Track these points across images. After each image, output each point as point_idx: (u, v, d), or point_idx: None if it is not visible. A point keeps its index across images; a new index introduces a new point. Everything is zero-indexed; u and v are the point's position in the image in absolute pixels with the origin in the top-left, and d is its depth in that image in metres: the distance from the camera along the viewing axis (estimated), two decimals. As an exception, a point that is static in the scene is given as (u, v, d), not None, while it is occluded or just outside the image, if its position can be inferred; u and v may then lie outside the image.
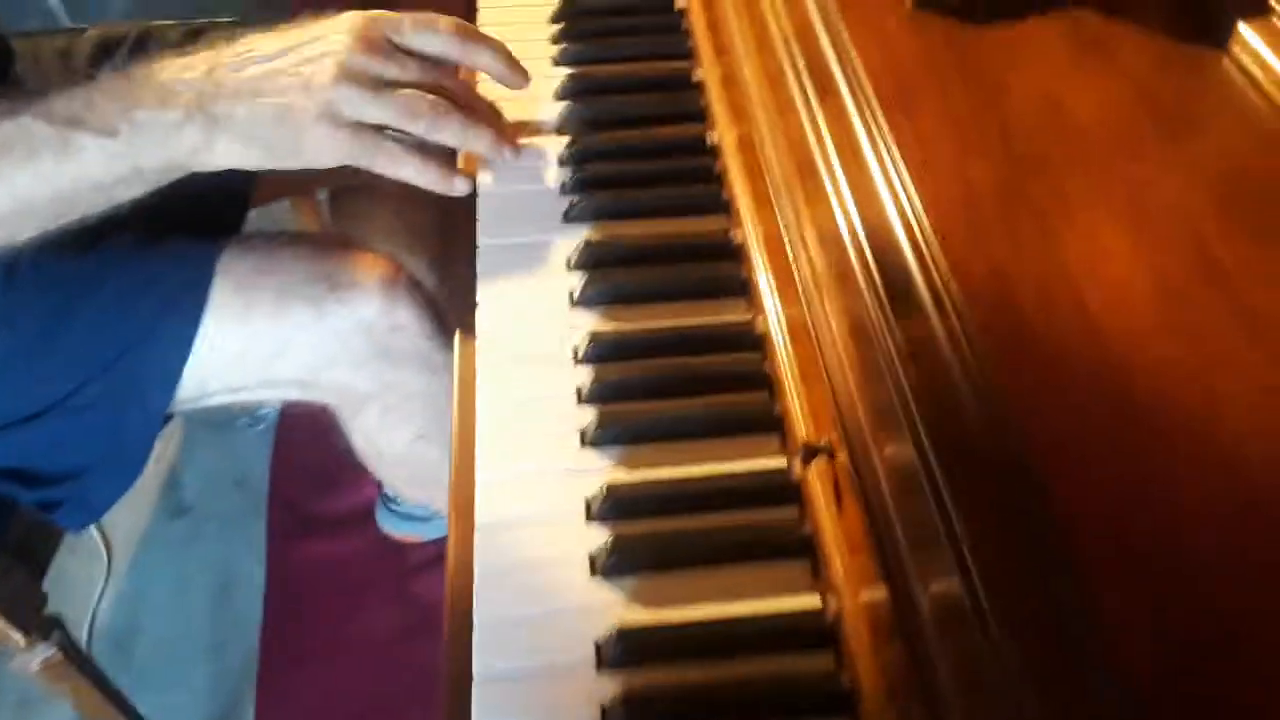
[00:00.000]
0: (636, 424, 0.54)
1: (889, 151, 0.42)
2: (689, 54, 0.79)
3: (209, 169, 0.66)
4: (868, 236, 0.42)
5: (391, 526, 1.35)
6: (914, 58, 0.44)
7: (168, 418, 0.89)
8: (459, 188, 0.67)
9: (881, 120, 0.42)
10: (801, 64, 0.47)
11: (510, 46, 0.70)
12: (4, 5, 1.96)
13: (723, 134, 0.67)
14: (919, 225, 0.39)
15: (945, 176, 0.41)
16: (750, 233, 0.60)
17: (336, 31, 0.64)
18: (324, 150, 0.64)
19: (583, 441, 0.54)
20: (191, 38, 1.04)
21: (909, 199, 0.40)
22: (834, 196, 0.44)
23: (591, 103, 0.76)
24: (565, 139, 0.73)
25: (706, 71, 0.73)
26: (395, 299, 0.85)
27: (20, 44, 1.00)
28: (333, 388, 0.89)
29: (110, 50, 1.00)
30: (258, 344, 0.84)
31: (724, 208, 0.66)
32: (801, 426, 0.51)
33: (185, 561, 1.40)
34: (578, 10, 0.84)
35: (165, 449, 1.50)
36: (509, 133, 0.72)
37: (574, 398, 0.57)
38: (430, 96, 0.65)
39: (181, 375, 0.83)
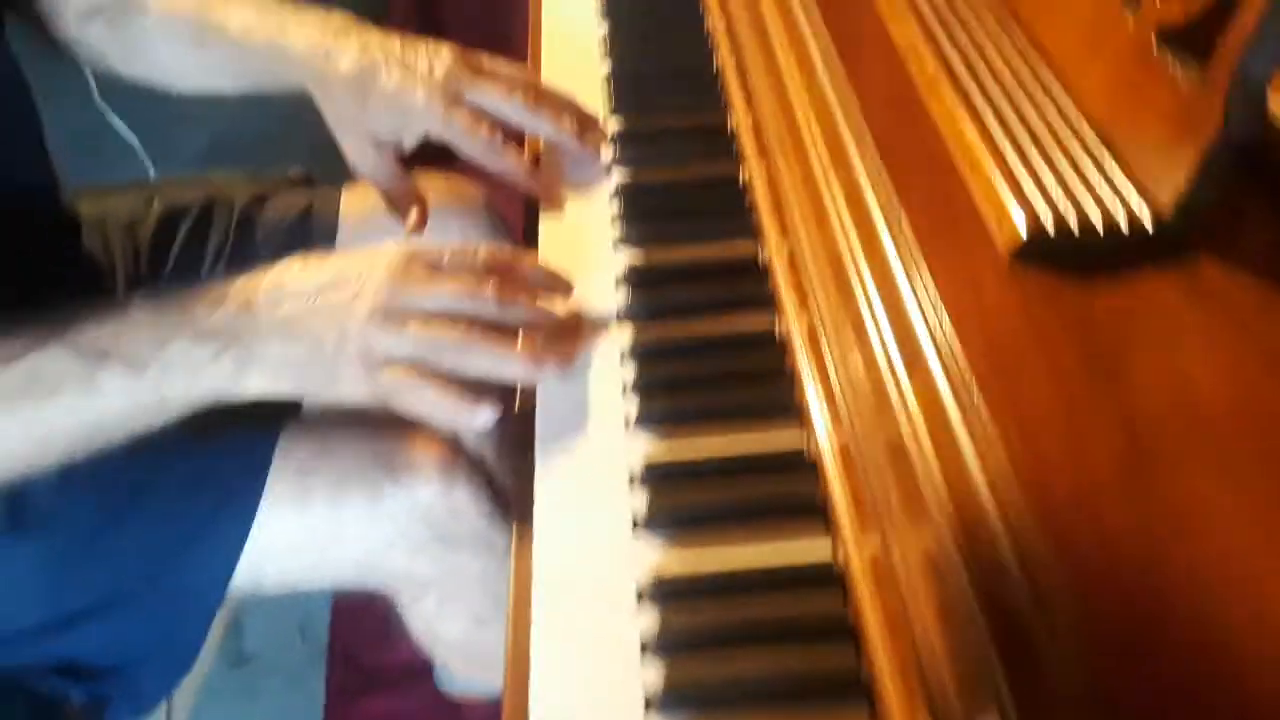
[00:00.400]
0: (710, 690, 0.49)
1: (988, 439, 0.37)
2: (754, 232, 0.75)
3: (238, 400, 0.66)
4: (962, 532, 0.37)
5: (449, 685, 1.31)
6: (1014, 320, 0.40)
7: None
8: (480, 420, 0.64)
9: (979, 400, 0.37)
10: (888, 330, 0.43)
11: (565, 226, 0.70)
12: (83, 139, 2.05)
13: (791, 325, 0.63)
14: (1019, 535, 0.34)
15: (1054, 469, 0.36)
16: (826, 450, 0.55)
17: (374, 268, 0.64)
18: (355, 389, 0.64)
19: (646, 708, 0.49)
20: (258, 204, 1.04)
21: (1010, 500, 0.35)
22: (925, 485, 0.39)
23: (653, 291, 0.73)
24: (628, 333, 0.70)
25: (773, 257, 0.70)
26: (454, 481, 0.83)
27: (87, 209, 1.02)
28: (390, 574, 0.87)
29: (176, 222, 1.00)
30: (314, 534, 0.82)
31: (796, 413, 0.61)
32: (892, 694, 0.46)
33: (246, 715, 1.36)
34: (637, 188, 0.81)
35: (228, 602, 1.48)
36: (565, 337, 0.69)
37: (636, 648, 0.52)
38: (461, 330, 0.63)
39: (233, 573, 0.80)
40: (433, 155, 0.86)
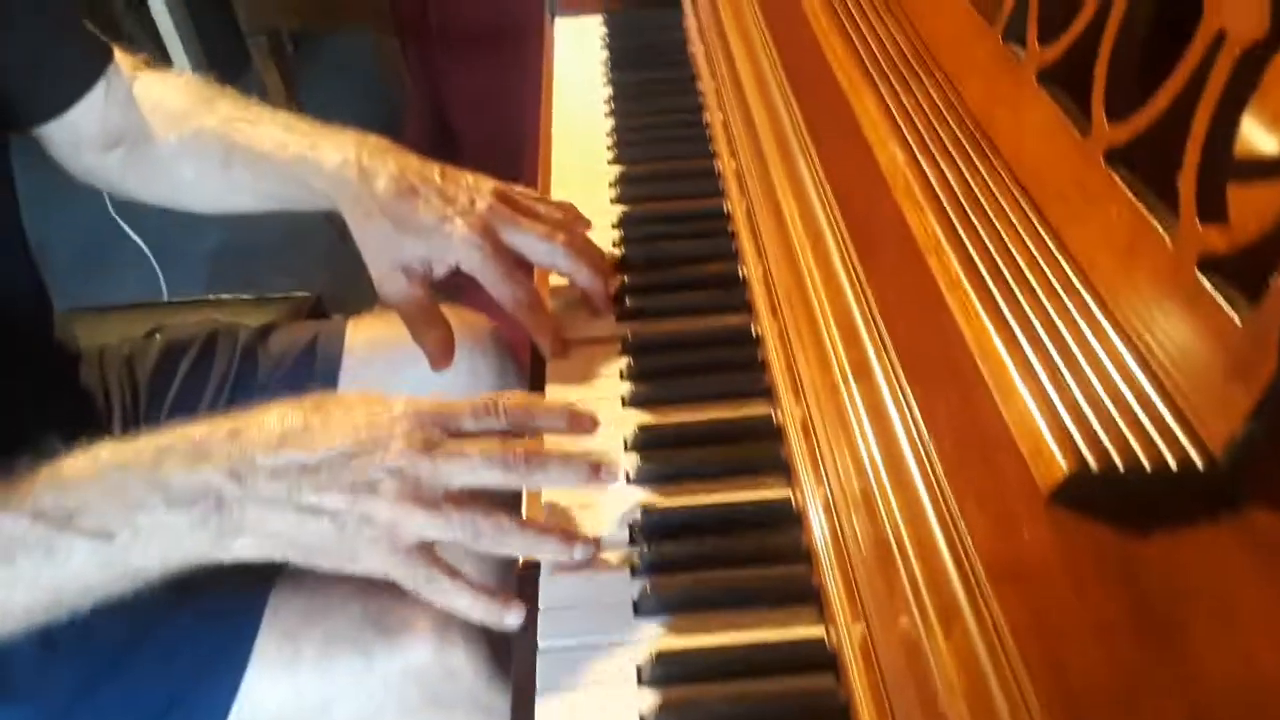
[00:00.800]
0: None
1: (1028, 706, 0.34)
2: (766, 392, 0.72)
3: (222, 561, 0.61)
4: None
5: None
6: (1056, 571, 0.37)
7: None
8: (510, 622, 0.61)
9: (1024, 676, 0.33)
10: (920, 579, 0.39)
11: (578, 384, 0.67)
12: (95, 245, 2.05)
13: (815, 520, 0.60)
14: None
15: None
16: (848, 651, 0.51)
17: (390, 435, 0.59)
18: (377, 568, 0.60)
19: None
20: (262, 336, 1.03)
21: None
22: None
23: (665, 455, 0.70)
24: (639, 502, 0.67)
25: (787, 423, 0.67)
26: (449, 642, 0.79)
27: (85, 336, 1.00)
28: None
29: (177, 359, 0.99)
30: (303, 697, 0.79)
31: (818, 604, 0.58)
32: None
33: None
34: (646, 345, 0.79)
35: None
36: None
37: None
38: (493, 515, 0.60)
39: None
40: (441, 283, 0.84)
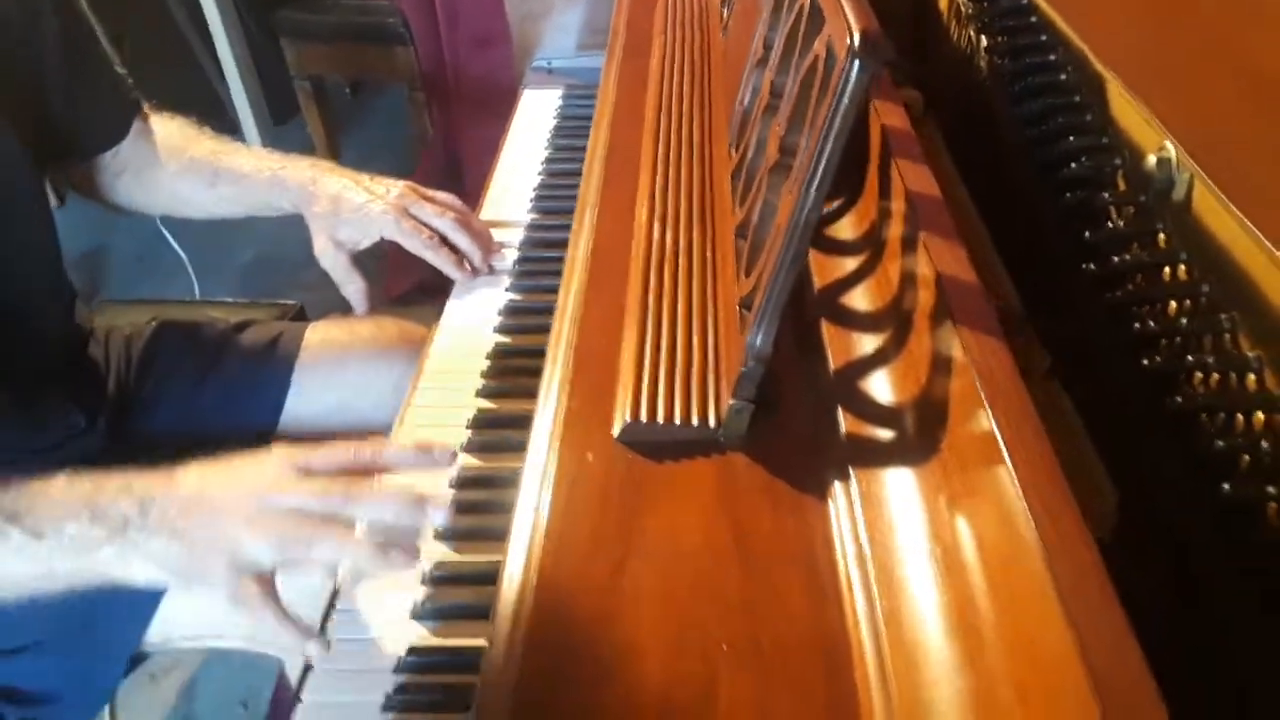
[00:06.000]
0: None
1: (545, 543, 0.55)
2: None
3: (122, 583, 0.73)
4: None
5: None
6: (592, 481, 0.58)
7: (141, 657, 1.04)
8: (309, 650, 0.74)
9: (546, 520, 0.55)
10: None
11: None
12: (149, 255, 2.35)
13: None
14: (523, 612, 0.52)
15: (566, 569, 0.54)
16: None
17: (257, 470, 0.73)
18: (218, 582, 0.71)
19: None
20: (237, 330, 1.27)
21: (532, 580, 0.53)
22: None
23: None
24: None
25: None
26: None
27: (103, 320, 1.25)
28: (277, 644, 1.03)
29: (166, 341, 1.23)
30: (214, 603, 0.99)
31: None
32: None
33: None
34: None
35: (185, 666, 1.67)
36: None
37: None
38: (310, 525, 0.70)
39: (146, 629, 0.98)
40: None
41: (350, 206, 1.09)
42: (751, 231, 0.67)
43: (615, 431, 0.63)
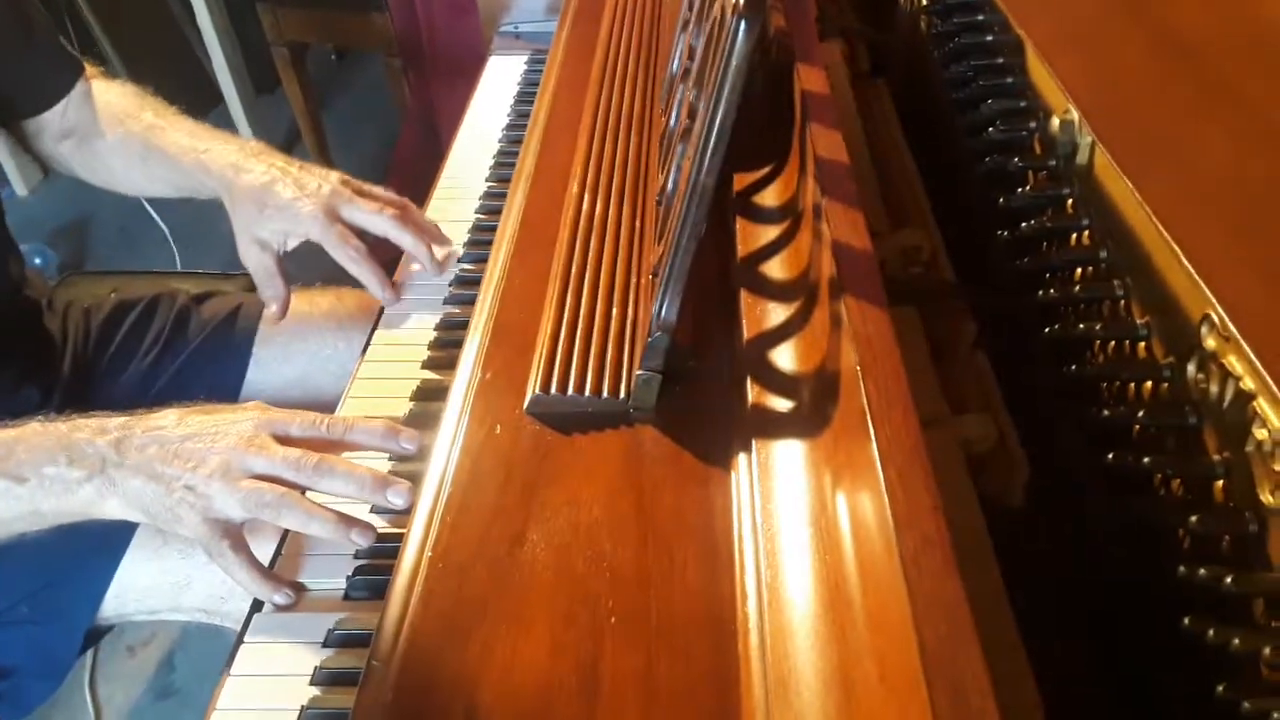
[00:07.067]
0: None
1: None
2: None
3: (101, 519, 0.76)
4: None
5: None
6: (497, 455, 0.58)
7: (102, 631, 1.05)
8: (277, 600, 0.75)
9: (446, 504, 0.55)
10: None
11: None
12: (134, 228, 2.35)
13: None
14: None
15: (464, 548, 0.54)
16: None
17: (231, 430, 0.75)
18: (189, 530, 0.74)
19: None
20: (197, 302, 1.27)
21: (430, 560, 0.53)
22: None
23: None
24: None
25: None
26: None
27: (65, 293, 1.25)
28: (231, 616, 1.04)
29: (126, 312, 1.23)
30: (168, 577, 1.00)
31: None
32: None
33: (168, 740, 1.55)
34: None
35: (163, 639, 1.68)
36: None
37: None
38: (281, 492, 0.72)
39: (102, 600, 0.99)
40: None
41: (276, 202, 1.01)
42: (665, 199, 0.66)
43: (525, 403, 0.63)
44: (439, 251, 1.09)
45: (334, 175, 1.05)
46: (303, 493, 0.74)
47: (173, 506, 0.73)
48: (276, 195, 1.02)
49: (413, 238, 1.05)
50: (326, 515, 0.73)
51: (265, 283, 1.07)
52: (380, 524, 0.78)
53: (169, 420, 0.76)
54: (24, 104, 1.11)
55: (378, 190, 1.08)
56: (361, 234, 1.04)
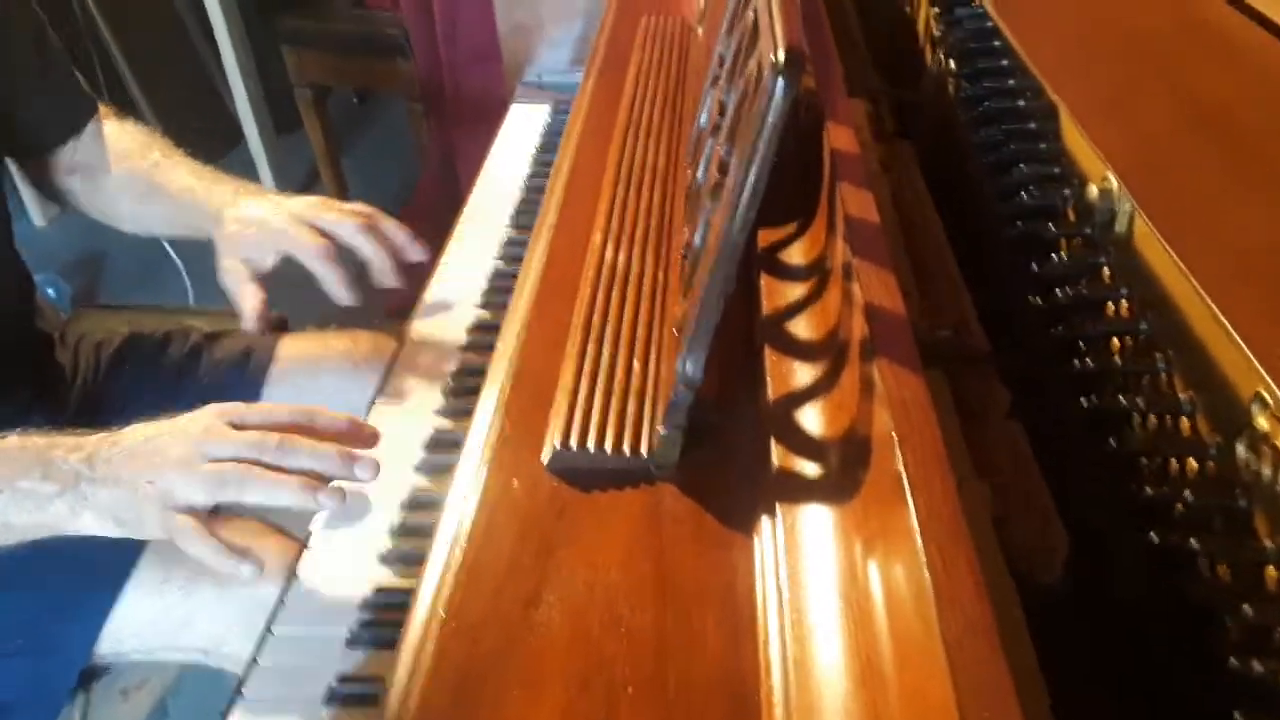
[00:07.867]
0: None
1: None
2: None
3: (74, 534, 0.77)
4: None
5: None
6: (523, 502, 0.56)
7: (98, 671, 1.03)
8: (244, 573, 0.76)
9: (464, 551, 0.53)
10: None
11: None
12: (150, 262, 2.35)
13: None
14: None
15: (479, 597, 0.52)
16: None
17: (194, 424, 0.76)
18: (154, 528, 0.75)
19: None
20: (209, 340, 1.26)
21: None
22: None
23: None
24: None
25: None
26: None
27: (79, 326, 1.24)
28: (230, 659, 1.02)
29: (137, 348, 1.22)
30: (168, 615, 0.98)
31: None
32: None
33: (159, 784, 1.51)
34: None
35: (157, 682, 1.65)
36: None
37: None
38: (241, 468, 0.73)
39: (99, 636, 0.97)
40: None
41: (253, 219, 1.04)
42: (692, 254, 0.65)
43: (544, 458, 0.61)
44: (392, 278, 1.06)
45: (310, 198, 1.06)
46: None
47: (136, 506, 0.74)
48: (253, 217, 1.05)
49: (373, 246, 1.04)
50: (290, 480, 0.73)
51: (239, 294, 1.06)
52: (389, 579, 0.77)
53: (136, 432, 0.77)
54: (37, 138, 1.11)
55: (351, 205, 1.07)
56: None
